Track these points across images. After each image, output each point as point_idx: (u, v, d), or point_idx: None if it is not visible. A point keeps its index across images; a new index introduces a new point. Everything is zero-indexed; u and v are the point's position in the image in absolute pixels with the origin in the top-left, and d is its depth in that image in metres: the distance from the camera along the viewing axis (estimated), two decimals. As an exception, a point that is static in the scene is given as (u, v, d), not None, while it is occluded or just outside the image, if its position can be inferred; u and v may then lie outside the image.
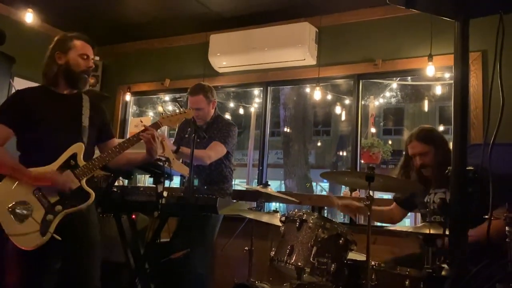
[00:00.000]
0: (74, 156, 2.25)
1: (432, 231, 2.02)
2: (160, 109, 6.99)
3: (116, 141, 2.54)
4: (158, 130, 2.49)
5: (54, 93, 2.38)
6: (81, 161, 2.25)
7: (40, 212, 2.13)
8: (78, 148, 2.27)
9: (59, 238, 2.11)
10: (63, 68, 2.35)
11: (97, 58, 5.00)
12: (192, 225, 3.13)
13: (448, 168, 1.33)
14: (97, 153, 2.45)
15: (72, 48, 2.37)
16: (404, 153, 2.79)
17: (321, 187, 11.90)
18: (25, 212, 2.11)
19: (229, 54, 4.32)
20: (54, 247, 2.13)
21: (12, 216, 2.09)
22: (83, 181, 2.23)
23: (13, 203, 2.11)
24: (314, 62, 4.11)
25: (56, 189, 2.17)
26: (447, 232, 1.39)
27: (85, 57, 2.39)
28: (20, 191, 2.15)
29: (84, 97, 2.47)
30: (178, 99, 2.91)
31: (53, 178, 2.16)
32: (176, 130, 3.60)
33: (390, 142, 8.67)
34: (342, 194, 4.02)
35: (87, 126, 2.37)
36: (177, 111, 2.58)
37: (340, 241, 2.27)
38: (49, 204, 2.15)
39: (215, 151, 3.23)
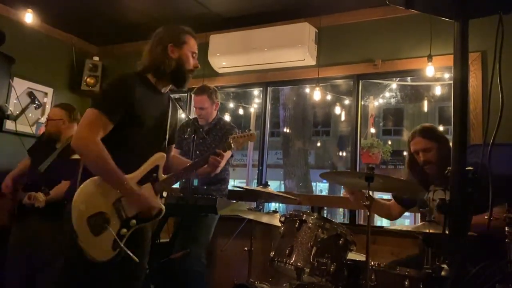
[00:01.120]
0: (156, 169, 2.07)
1: (431, 231, 2.02)
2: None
3: (173, 146, 2.38)
4: None
5: (155, 89, 2.14)
6: (161, 175, 2.09)
7: (116, 225, 1.97)
8: (161, 160, 2.10)
9: (136, 260, 1.95)
10: (174, 62, 2.11)
11: (96, 58, 5.01)
12: (190, 225, 3.15)
13: (448, 168, 1.33)
14: None
15: (186, 43, 2.15)
16: (407, 152, 2.78)
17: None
18: (102, 224, 1.94)
19: (228, 55, 4.32)
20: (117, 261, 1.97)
21: (89, 227, 1.92)
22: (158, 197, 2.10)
23: (94, 213, 1.94)
24: (313, 63, 4.10)
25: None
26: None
27: (194, 55, 2.19)
28: (102, 200, 1.97)
29: (170, 98, 2.28)
30: (177, 99, 2.91)
31: (149, 201, 2.02)
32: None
33: (389, 142, 8.68)
34: (341, 195, 4.02)
35: (168, 132, 2.19)
36: (242, 133, 2.32)
37: (340, 242, 2.27)
38: (126, 218, 2.00)
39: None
